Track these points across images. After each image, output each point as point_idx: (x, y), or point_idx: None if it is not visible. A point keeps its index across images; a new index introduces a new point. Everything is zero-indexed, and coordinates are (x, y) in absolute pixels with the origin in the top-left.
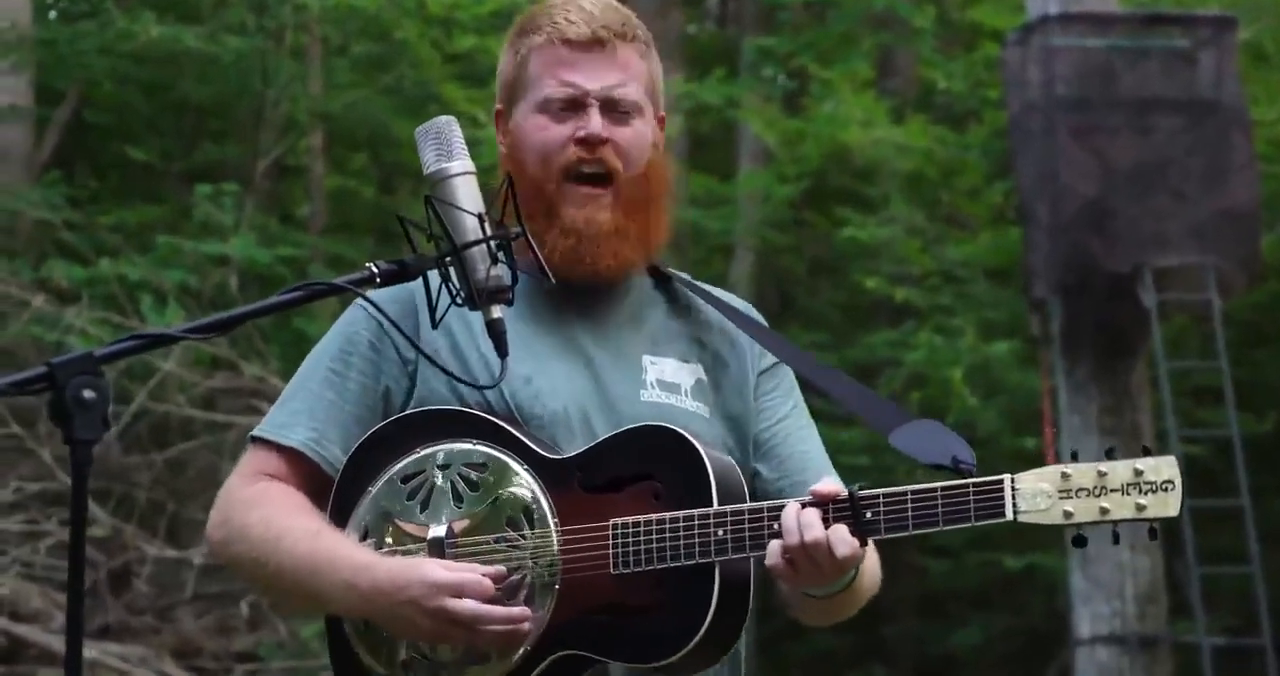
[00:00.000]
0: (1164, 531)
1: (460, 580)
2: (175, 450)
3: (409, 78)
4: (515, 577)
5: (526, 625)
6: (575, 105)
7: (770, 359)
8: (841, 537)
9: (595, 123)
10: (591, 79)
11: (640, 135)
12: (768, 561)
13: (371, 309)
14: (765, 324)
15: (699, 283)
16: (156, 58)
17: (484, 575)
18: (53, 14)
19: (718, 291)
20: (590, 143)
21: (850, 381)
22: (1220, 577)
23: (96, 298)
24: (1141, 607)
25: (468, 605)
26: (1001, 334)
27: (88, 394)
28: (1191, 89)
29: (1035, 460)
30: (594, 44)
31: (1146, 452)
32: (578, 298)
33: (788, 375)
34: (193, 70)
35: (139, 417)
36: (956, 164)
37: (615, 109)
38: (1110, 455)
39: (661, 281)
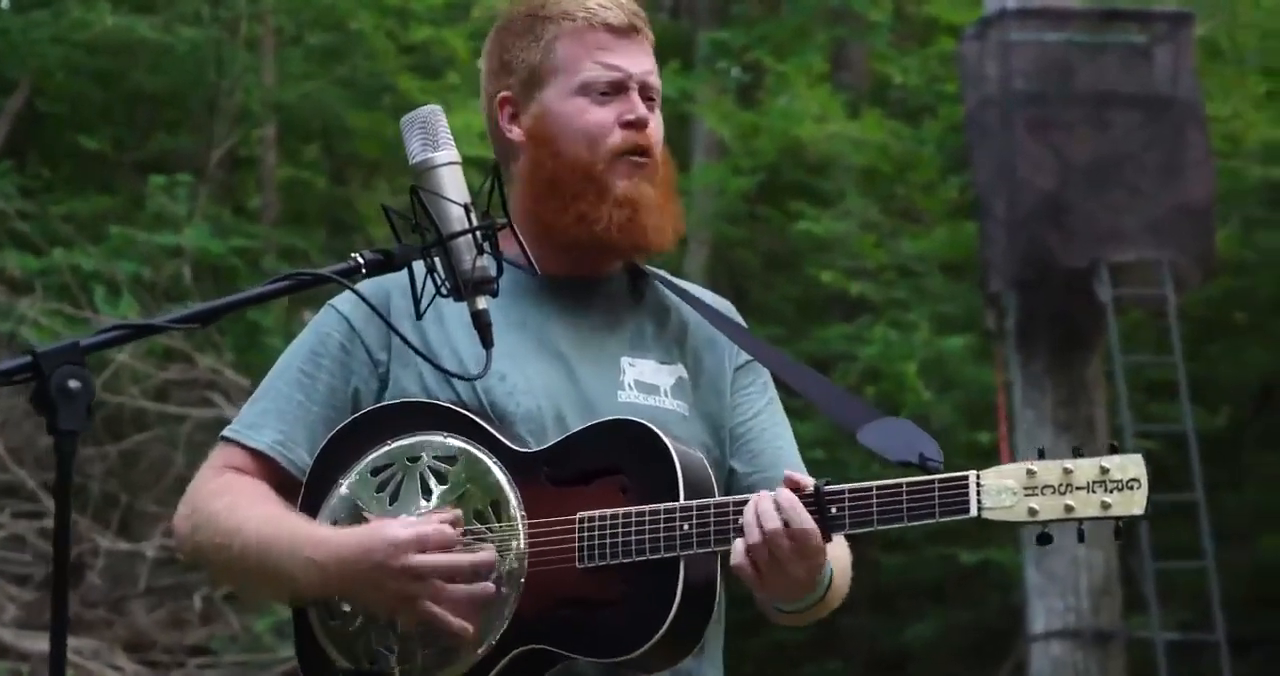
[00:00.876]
0: (1118, 531)
1: (420, 532)
2: (129, 442)
3: (363, 69)
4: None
5: (492, 587)
6: (617, 88)
7: (747, 355)
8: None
9: (642, 107)
10: (632, 62)
11: (660, 124)
12: (733, 561)
13: (346, 307)
14: (740, 319)
15: (674, 279)
16: (110, 47)
17: (441, 521)
18: (5, 3)
19: (693, 287)
20: (638, 126)
21: (821, 379)
22: (1174, 572)
23: (50, 288)
24: (1096, 602)
25: (431, 558)
26: (956, 328)
27: (73, 384)
28: (1148, 84)
29: (990, 454)
30: (630, 30)
31: (1113, 450)
32: (556, 298)
33: (764, 371)
34: (147, 60)
35: (92, 409)
36: (911, 158)
37: (647, 95)
38: (1077, 453)
39: (638, 279)
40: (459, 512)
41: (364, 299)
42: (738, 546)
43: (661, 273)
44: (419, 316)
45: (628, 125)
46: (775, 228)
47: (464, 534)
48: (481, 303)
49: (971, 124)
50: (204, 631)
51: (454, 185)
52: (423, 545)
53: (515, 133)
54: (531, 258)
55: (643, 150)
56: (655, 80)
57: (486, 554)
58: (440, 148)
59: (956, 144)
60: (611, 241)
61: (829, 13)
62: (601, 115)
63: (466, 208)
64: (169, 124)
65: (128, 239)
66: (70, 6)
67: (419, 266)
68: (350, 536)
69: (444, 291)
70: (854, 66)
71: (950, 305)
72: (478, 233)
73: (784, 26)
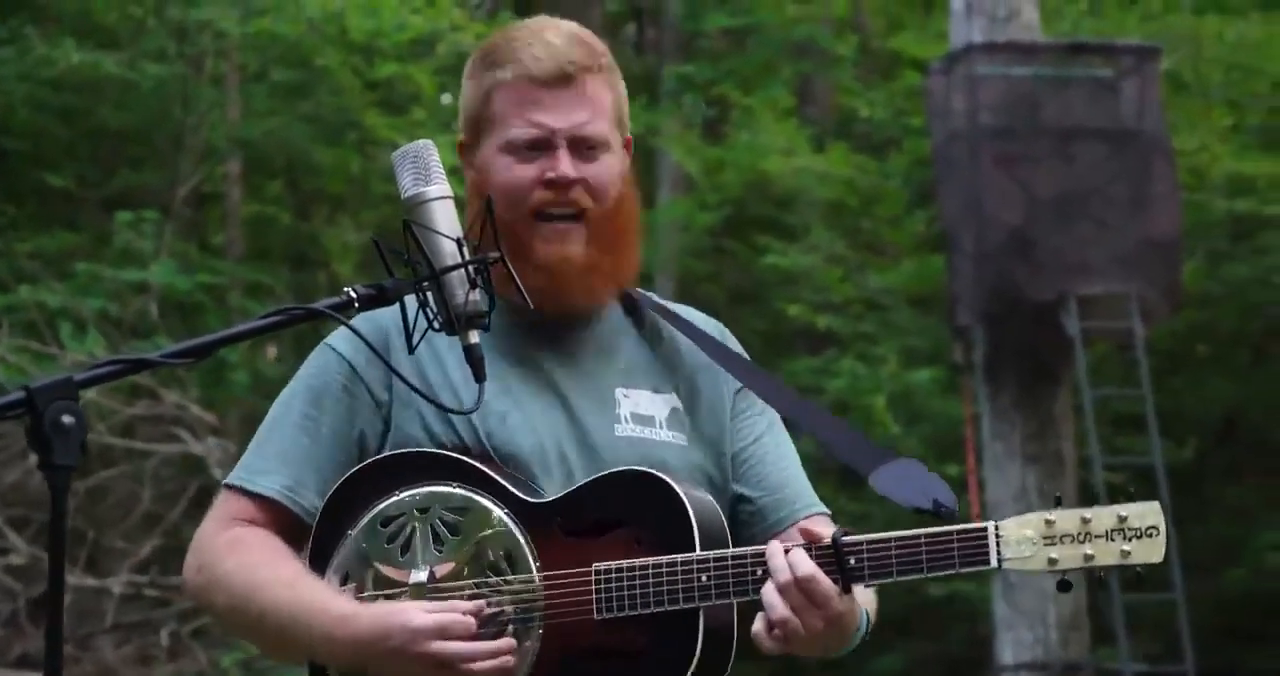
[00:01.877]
0: (1139, 577)
1: (442, 622)
2: (95, 478)
3: (328, 105)
4: (501, 618)
5: (512, 658)
6: (542, 145)
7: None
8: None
9: (564, 165)
10: (558, 117)
11: (610, 169)
12: (757, 632)
13: (345, 347)
14: (734, 342)
15: (670, 305)
16: (75, 84)
17: (465, 612)
18: None
19: (685, 310)
20: (559, 185)
21: (826, 415)
22: (1143, 605)
23: (16, 325)
24: (1064, 634)
25: (452, 646)
26: (923, 361)
27: (66, 419)
28: (1115, 118)
29: (958, 487)
30: (561, 80)
31: (1130, 498)
32: (549, 332)
33: None
34: (112, 97)
35: (85, 444)
36: (877, 192)
37: (583, 146)
38: (1094, 501)
39: (632, 308)
40: (483, 603)
41: (363, 338)
42: (768, 594)
43: (654, 298)
44: (411, 350)
45: (548, 184)
46: (741, 261)
47: (479, 585)
48: (474, 337)
49: (938, 158)
50: (171, 667)
51: (446, 219)
52: (443, 634)
53: (468, 177)
54: (525, 292)
55: (564, 208)
56: (593, 129)
57: (506, 640)
58: (432, 182)
59: (922, 177)
60: (536, 304)
61: (794, 47)
62: (522, 173)
63: (459, 242)
64: (134, 160)
65: (94, 275)
66: (35, 43)
67: (411, 300)
68: (370, 617)
69: (436, 326)
70: (820, 100)
71: (918, 338)
72: (470, 267)
73: (750, 61)
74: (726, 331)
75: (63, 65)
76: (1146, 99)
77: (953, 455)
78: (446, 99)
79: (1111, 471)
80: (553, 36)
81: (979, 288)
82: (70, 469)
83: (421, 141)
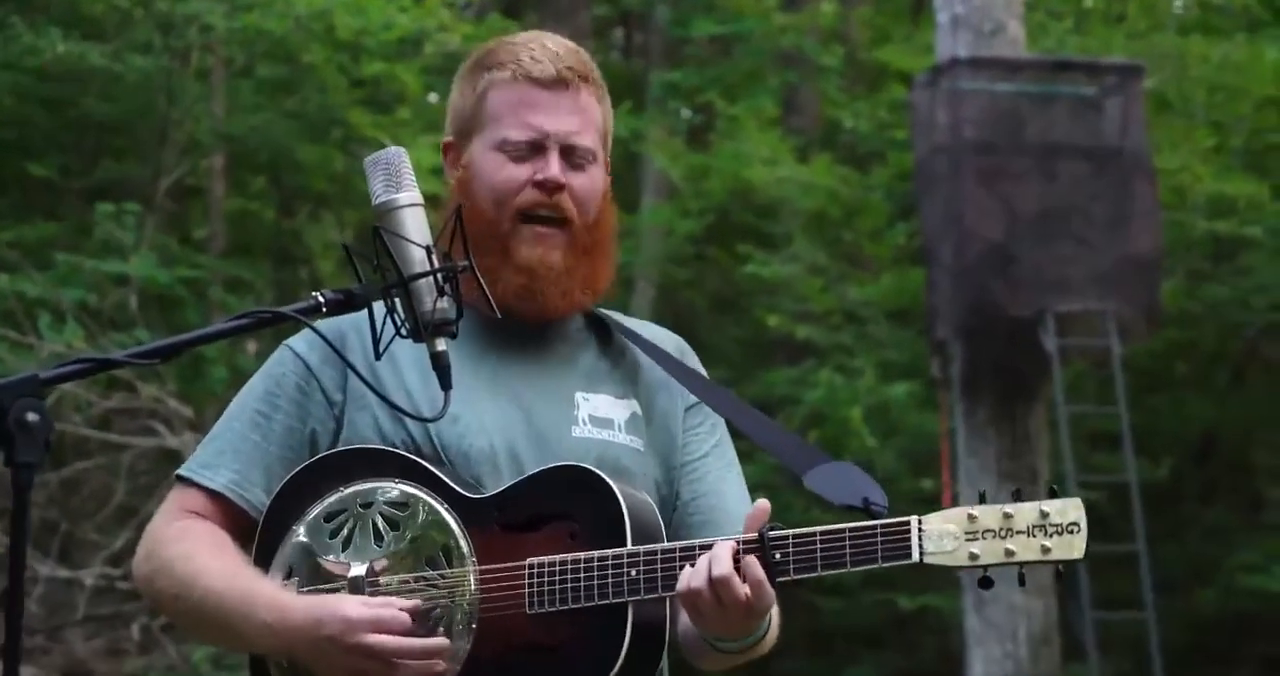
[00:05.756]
0: (1059, 574)
1: (377, 615)
2: (70, 469)
3: (314, 102)
4: (435, 613)
5: (444, 657)
6: (535, 148)
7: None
8: (753, 573)
9: (555, 167)
10: (553, 121)
11: (595, 183)
12: (678, 590)
13: (302, 347)
14: (692, 354)
15: (628, 320)
16: (60, 74)
17: (401, 609)
18: None
19: (645, 327)
20: (548, 187)
21: (770, 423)
22: (1114, 622)
23: None
24: (1035, 650)
25: (385, 639)
26: (901, 375)
27: (31, 417)
28: (1097, 136)
29: (933, 502)
30: (558, 84)
31: (1053, 494)
32: (510, 338)
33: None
34: (96, 88)
35: (50, 442)
36: (860, 204)
37: (573, 155)
38: (1017, 497)
39: (593, 321)
40: (419, 602)
41: (324, 338)
42: (682, 580)
43: (615, 315)
44: (378, 356)
45: (538, 185)
46: (722, 270)
47: (416, 580)
48: (440, 344)
49: (921, 171)
50: (142, 661)
51: (416, 227)
52: (378, 627)
53: (450, 178)
54: (492, 298)
55: (550, 211)
56: (584, 140)
57: (439, 639)
58: (403, 189)
59: (904, 191)
60: (509, 305)
61: (781, 57)
62: (513, 172)
63: (428, 249)
64: (117, 152)
65: (74, 266)
66: (21, 32)
67: (379, 306)
68: (305, 606)
69: (404, 332)
70: (805, 111)
71: (895, 352)
72: (438, 275)
73: (736, 69)
74: (686, 347)
75: (48, 55)
76: (1129, 117)
77: (928, 469)
78: (433, 98)
79: (1086, 489)
80: (551, 43)
81: (958, 302)
82: (33, 466)
83: (393, 148)
